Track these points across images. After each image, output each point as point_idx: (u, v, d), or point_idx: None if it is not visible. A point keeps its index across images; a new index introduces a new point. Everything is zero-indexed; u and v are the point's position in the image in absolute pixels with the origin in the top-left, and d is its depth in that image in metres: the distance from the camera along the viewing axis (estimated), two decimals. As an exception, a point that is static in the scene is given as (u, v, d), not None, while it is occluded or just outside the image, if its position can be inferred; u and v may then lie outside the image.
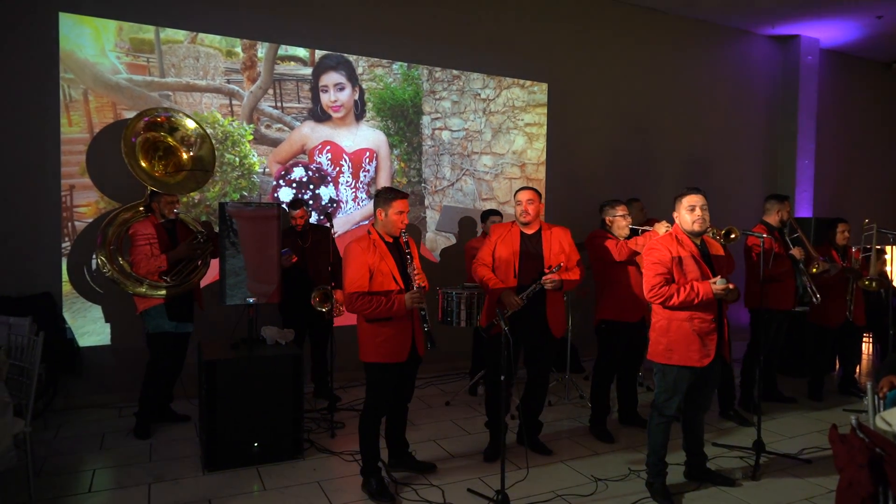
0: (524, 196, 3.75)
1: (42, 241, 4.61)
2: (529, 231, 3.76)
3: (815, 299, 4.70)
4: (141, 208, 4.39)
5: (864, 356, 6.82)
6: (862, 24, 7.46)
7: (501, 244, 3.74)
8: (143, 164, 4.29)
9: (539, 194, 3.79)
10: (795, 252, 4.61)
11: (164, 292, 4.15)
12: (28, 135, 4.55)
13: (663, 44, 7.17)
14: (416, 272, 3.29)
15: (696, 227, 3.23)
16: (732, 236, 3.76)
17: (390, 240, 3.31)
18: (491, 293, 3.70)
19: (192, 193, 4.99)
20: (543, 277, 3.57)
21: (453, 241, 6.14)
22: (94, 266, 4.73)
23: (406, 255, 3.31)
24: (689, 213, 3.22)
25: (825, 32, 7.79)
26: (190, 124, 4.52)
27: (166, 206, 4.23)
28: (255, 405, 3.68)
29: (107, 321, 4.80)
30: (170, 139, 4.46)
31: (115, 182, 4.73)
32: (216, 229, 4.23)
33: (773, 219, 4.74)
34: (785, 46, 8.03)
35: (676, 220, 3.31)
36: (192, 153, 4.50)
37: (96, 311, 4.77)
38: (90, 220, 4.73)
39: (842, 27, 7.57)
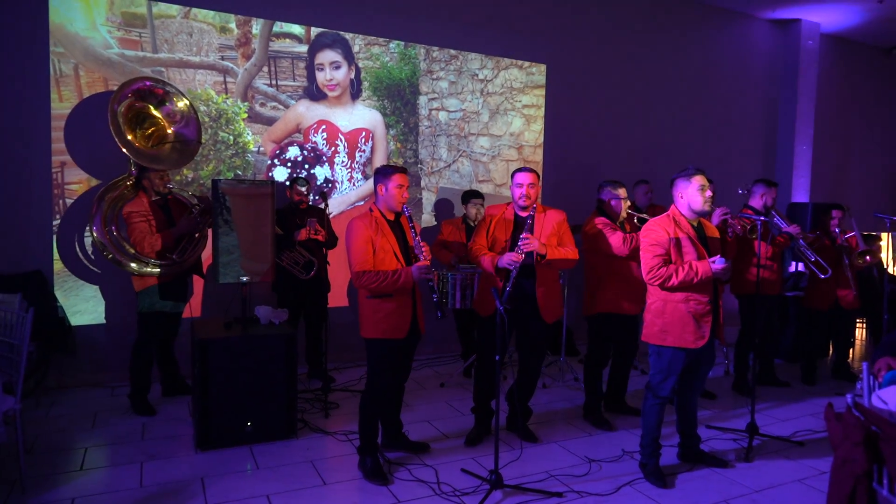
0: (525, 179, 3.58)
1: (33, 219, 4.55)
2: (524, 214, 3.65)
3: (823, 275, 4.75)
4: (129, 182, 4.27)
5: (858, 341, 6.84)
6: (863, 9, 7.40)
7: (497, 227, 3.66)
8: (128, 136, 4.14)
9: (538, 176, 3.69)
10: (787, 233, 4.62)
11: (166, 270, 4.12)
12: (17, 110, 4.47)
13: (663, 26, 7.09)
14: (422, 245, 3.27)
15: (707, 207, 3.24)
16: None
17: (391, 217, 3.31)
18: (490, 263, 3.55)
19: (185, 171, 4.94)
20: (520, 241, 3.42)
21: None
22: (88, 244, 4.67)
23: (411, 229, 3.33)
24: (701, 193, 3.21)
25: (826, 17, 7.72)
26: (181, 104, 4.40)
27: (158, 181, 4.16)
28: (248, 385, 3.66)
29: (102, 299, 4.77)
30: (155, 111, 4.32)
31: (98, 157, 4.65)
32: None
33: (756, 202, 4.73)
34: (785, 30, 7.95)
35: (678, 200, 3.28)
36: (174, 128, 4.38)
37: (88, 290, 4.72)
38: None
39: (843, 11, 7.50)
